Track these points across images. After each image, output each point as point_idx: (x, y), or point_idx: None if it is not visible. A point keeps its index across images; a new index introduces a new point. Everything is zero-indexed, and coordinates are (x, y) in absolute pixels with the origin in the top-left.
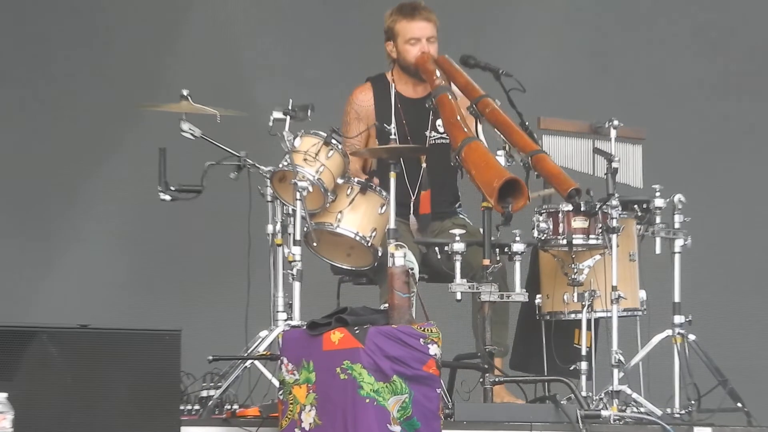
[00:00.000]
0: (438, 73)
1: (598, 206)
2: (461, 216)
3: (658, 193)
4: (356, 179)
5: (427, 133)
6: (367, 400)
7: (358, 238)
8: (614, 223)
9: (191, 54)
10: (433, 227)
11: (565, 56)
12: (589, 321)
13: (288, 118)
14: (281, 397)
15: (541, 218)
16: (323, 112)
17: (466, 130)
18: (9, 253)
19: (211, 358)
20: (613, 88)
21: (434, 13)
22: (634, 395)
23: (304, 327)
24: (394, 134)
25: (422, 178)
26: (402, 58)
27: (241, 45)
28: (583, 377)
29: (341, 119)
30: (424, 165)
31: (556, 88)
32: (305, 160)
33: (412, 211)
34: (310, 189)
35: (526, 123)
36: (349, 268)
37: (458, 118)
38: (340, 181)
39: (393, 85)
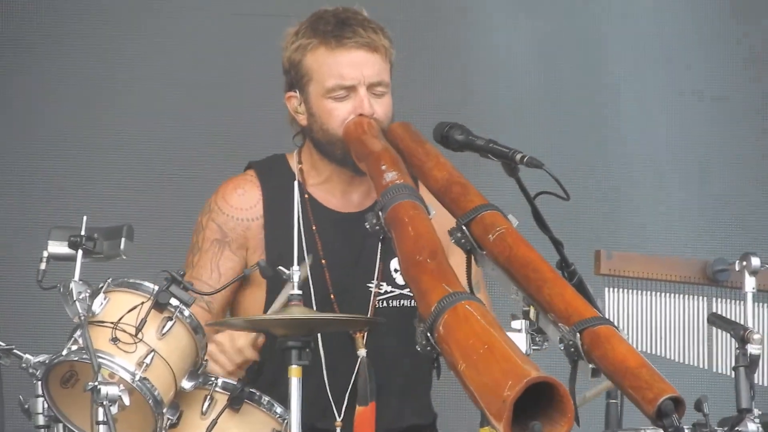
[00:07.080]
0: (392, 158)
1: None
2: None
3: None
4: (220, 380)
5: (371, 286)
6: None
7: None
8: None
9: None
10: None
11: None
12: None
13: (78, 252)
14: None
15: None
16: (160, 236)
17: (444, 284)
18: None
19: None
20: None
21: (385, 31)
22: None
23: None
24: (300, 287)
25: (357, 379)
26: (318, 127)
27: None
28: None
29: (187, 254)
30: (362, 352)
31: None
32: (115, 341)
33: None
34: (126, 401)
35: (571, 264)
36: None
37: (433, 254)
38: (187, 385)
39: (301, 181)
